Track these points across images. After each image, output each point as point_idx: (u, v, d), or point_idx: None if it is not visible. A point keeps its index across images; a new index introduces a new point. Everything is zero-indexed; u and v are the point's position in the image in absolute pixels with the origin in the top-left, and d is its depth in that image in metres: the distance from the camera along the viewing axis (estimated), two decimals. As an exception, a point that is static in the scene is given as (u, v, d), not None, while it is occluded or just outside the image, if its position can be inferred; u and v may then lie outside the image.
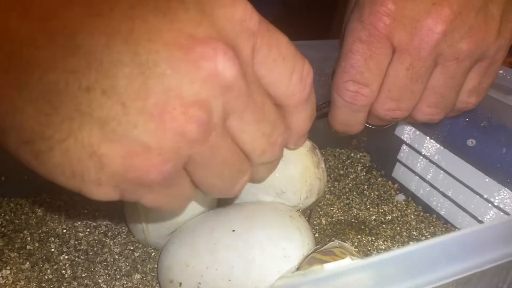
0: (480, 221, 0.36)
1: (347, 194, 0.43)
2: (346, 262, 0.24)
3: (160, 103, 0.18)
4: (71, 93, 0.17)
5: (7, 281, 0.30)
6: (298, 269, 0.27)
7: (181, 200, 0.22)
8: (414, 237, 0.38)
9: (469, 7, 0.29)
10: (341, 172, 0.47)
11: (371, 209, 0.41)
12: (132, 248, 0.34)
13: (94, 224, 0.36)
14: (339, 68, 0.31)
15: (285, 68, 0.22)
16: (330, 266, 0.24)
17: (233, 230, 0.28)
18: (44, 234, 0.35)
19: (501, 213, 0.35)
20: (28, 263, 0.32)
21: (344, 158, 0.49)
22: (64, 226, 0.36)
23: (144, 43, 0.18)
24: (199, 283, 0.27)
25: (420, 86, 0.31)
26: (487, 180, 0.36)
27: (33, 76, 0.17)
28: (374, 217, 0.40)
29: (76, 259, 0.33)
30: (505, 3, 0.30)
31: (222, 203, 0.34)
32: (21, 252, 0.33)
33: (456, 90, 0.32)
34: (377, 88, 0.31)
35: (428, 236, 0.38)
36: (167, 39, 0.18)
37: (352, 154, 0.49)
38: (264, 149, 0.23)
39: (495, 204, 0.35)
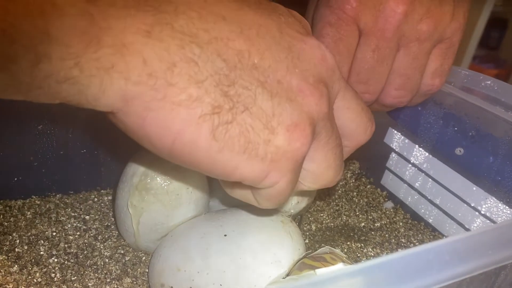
0: (467, 229, 0.37)
1: (336, 201, 0.44)
2: (339, 267, 0.24)
3: (301, 80, 0.21)
4: (242, 69, 0.20)
5: (-5, 284, 0.30)
6: (288, 274, 0.27)
7: (292, 191, 0.24)
8: (402, 244, 0.39)
9: None
10: (331, 179, 0.47)
11: (360, 216, 0.42)
12: (122, 252, 0.34)
13: (84, 227, 0.36)
14: None
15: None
16: (323, 271, 0.24)
17: (225, 235, 0.28)
18: (33, 236, 0.34)
19: (488, 221, 0.36)
20: (16, 266, 0.32)
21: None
22: (53, 229, 0.35)
23: (280, 34, 0.22)
24: (191, 287, 0.27)
25: (386, 68, 0.33)
26: (474, 188, 0.36)
27: (212, 52, 0.19)
28: (363, 224, 0.41)
29: (66, 262, 0.32)
30: None
31: (214, 207, 0.34)
32: (9, 254, 0.33)
33: (420, 70, 0.34)
34: (347, 70, 0.33)
35: (416, 244, 0.39)
36: (290, 33, 0.22)
37: (341, 161, 0.50)
38: (366, 124, 0.27)
39: (482, 212, 0.36)
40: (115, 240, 0.35)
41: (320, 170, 0.24)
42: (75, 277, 0.31)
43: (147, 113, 0.19)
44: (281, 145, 0.21)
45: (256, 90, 0.20)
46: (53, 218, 0.37)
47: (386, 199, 0.45)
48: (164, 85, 0.18)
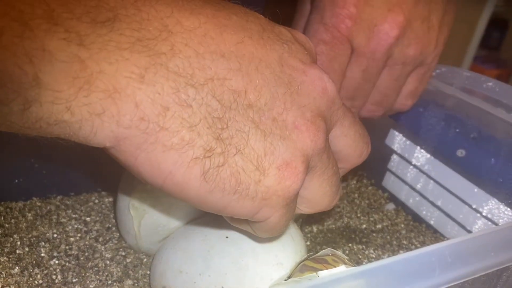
0: (469, 231, 0.37)
1: (338, 203, 0.44)
2: (341, 269, 0.24)
3: (298, 116, 0.21)
4: (236, 109, 0.20)
5: (-4, 286, 0.30)
6: (290, 276, 0.27)
7: (289, 222, 0.24)
8: (404, 246, 0.39)
9: (417, 16, 0.32)
10: (332, 180, 0.47)
11: (362, 217, 0.42)
12: (123, 254, 0.34)
13: (85, 229, 0.36)
14: None
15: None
16: (325, 274, 0.24)
17: (227, 237, 0.28)
18: (34, 238, 0.34)
19: (489, 223, 0.36)
20: (17, 267, 0.32)
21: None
22: (54, 231, 0.35)
23: (280, 68, 0.21)
24: (192, 290, 0.27)
25: (371, 86, 0.34)
26: (476, 190, 0.36)
27: (206, 93, 0.19)
28: (364, 226, 0.41)
29: (67, 264, 0.32)
30: (443, 15, 0.34)
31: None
32: (10, 256, 0.33)
33: (397, 91, 0.36)
34: (338, 87, 0.33)
35: (418, 245, 0.39)
36: (292, 64, 0.22)
37: (342, 163, 0.50)
38: (362, 149, 0.27)
39: (484, 214, 0.36)
40: (116, 242, 0.35)
41: (316, 198, 0.25)
42: (76, 279, 0.31)
43: (139, 152, 0.18)
44: (271, 184, 0.21)
45: (249, 132, 0.20)
46: (54, 220, 0.37)
47: (388, 201, 0.45)
48: (156, 129, 0.18)
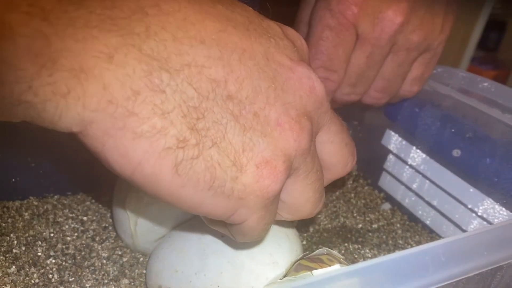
0: (464, 231, 0.37)
1: (334, 202, 0.44)
2: (336, 268, 0.24)
3: (281, 113, 0.20)
4: (214, 100, 0.18)
5: (-8, 285, 0.30)
6: (285, 275, 0.28)
7: (268, 226, 0.23)
8: (400, 246, 0.39)
9: (420, 3, 0.32)
10: (329, 180, 0.47)
11: (358, 217, 0.42)
12: (120, 253, 0.34)
13: (82, 228, 0.36)
14: (311, 56, 0.33)
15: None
16: (320, 272, 0.24)
17: (222, 236, 0.28)
18: (31, 237, 0.34)
19: (485, 222, 0.36)
20: (14, 267, 0.32)
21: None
22: (51, 230, 0.35)
23: (265, 62, 0.20)
24: (188, 288, 0.27)
25: (375, 72, 0.34)
26: (471, 190, 0.36)
27: (182, 80, 0.18)
28: (360, 225, 0.41)
29: (64, 263, 0.33)
30: (446, 3, 0.34)
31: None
32: (7, 255, 0.33)
33: (402, 77, 0.36)
34: (343, 73, 0.34)
35: (414, 245, 0.39)
36: (278, 59, 0.21)
37: (339, 163, 0.50)
38: (347, 159, 0.26)
39: (479, 214, 0.36)
40: (113, 241, 0.35)
41: (298, 204, 0.23)
42: (73, 278, 0.31)
43: (106, 139, 0.17)
44: (249, 183, 0.19)
45: (227, 124, 0.19)
46: (50, 219, 0.37)
47: (384, 201, 0.45)
48: (125, 114, 0.17)
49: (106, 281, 0.31)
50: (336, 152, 0.25)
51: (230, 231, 0.23)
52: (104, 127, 0.17)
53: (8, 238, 0.34)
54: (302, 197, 0.23)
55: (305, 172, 0.22)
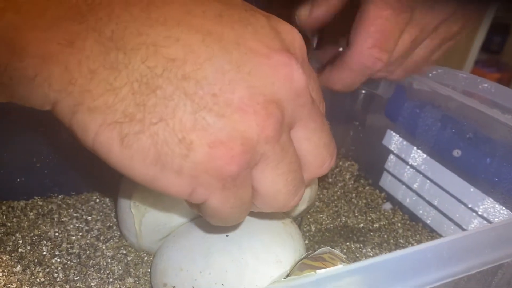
0: (465, 230, 0.38)
1: (335, 202, 0.44)
2: (339, 267, 0.25)
3: (245, 97, 0.20)
4: (168, 78, 0.19)
5: (-1, 284, 0.30)
6: (289, 274, 0.28)
7: (240, 210, 0.23)
8: (401, 245, 0.39)
9: None
10: (330, 180, 0.48)
11: (359, 217, 0.42)
12: (124, 252, 0.34)
13: (87, 228, 0.36)
14: (365, 33, 0.32)
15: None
16: (322, 271, 0.24)
17: (227, 235, 0.29)
18: (36, 237, 0.35)
19: (485, 222, 0.36)
20: (19, 266, 0.32)
21: (332, 166, 0.50)
22: (56, 230, 0.36)
23: (234, 45, 0.20)
24: (193, 287, 0.28)
25: (410, 55, 0.35)
26: (472, 189, 0.37)
27: (136, 59, 0.19)
28: (362, 225, 0.41)
29: (68, 262, 0.33)
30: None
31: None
32: (12, 255, 0.33)
33: (428, 61, 0.37)
34: (391, 54, 0.34)
35: (415, 244, 0.39)
36: (251, 45, 0.21)
37: (340, 163, 0.50)
38: (324, 159, 0.25)
39: (479, 213, 0.36)
40: (117, 240, 0.35)
41: (269, 194, 0.23)
42: (78, 277, 0.32)
43: (71, 115, 0.19)
44: (200, 161, 0.20)
45: (179, 102, 0.19)
46: (55, 219, 0.37)
47: (385, 200, 0.45)
48: (82, 92, 0.19)
49: (111, 280, 0.32)
50: (311, 150, 0.24)
51: (199, 212, 0.23)
52: (67, 104, 0.19)
53: (13, 237, 0.34)
54: (273, 188, 0.23)
55: (274, 161, 0.22)
